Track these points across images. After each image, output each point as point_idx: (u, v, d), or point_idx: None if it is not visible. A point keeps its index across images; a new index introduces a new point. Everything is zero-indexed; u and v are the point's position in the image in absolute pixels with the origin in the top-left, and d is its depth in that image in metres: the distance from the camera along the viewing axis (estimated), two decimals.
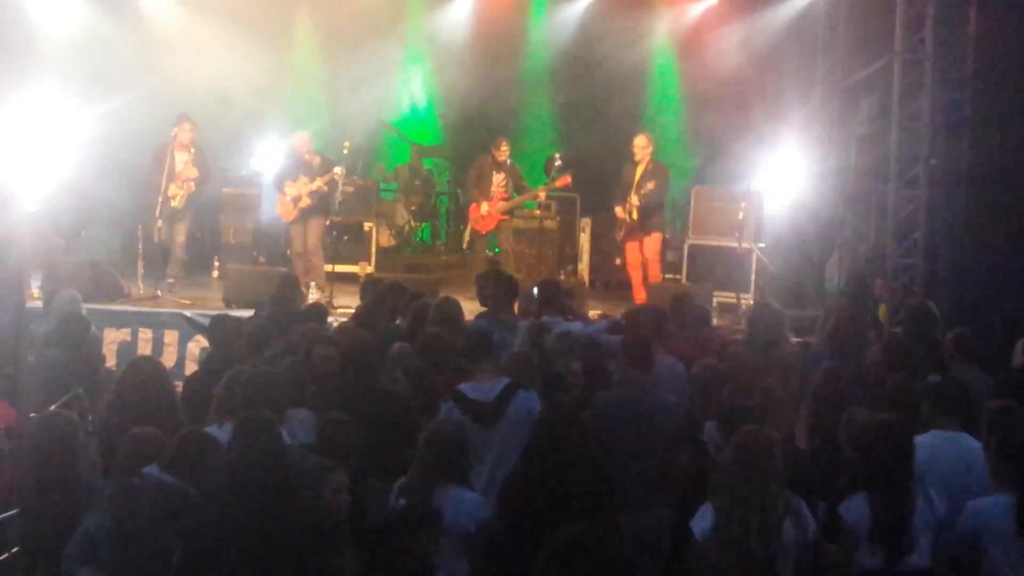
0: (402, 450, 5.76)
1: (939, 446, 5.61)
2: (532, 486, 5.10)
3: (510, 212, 12.97)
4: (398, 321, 8.40)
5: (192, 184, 11.93)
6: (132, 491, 4.98)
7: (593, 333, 7.82)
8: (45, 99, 11.75)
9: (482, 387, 6.26)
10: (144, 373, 6.33)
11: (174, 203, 11.87)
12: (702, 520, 5.01)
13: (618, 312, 9.88)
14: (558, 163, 13.67)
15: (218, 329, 7.65)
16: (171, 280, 11.97)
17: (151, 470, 5.07)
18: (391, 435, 5.95)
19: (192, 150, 11.94)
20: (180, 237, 12.09)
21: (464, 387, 6.30)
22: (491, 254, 13.43)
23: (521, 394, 6.22)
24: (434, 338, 7.25)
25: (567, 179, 13.17)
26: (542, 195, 13.26)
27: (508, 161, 12.96)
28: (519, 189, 13.04)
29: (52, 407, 6.29)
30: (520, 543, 4.81)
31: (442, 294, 9.72)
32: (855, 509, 5.23)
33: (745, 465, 4.89)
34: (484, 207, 12.90)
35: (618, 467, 5.74)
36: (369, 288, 9.21)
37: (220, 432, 5.70)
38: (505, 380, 6.29)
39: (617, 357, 7.05)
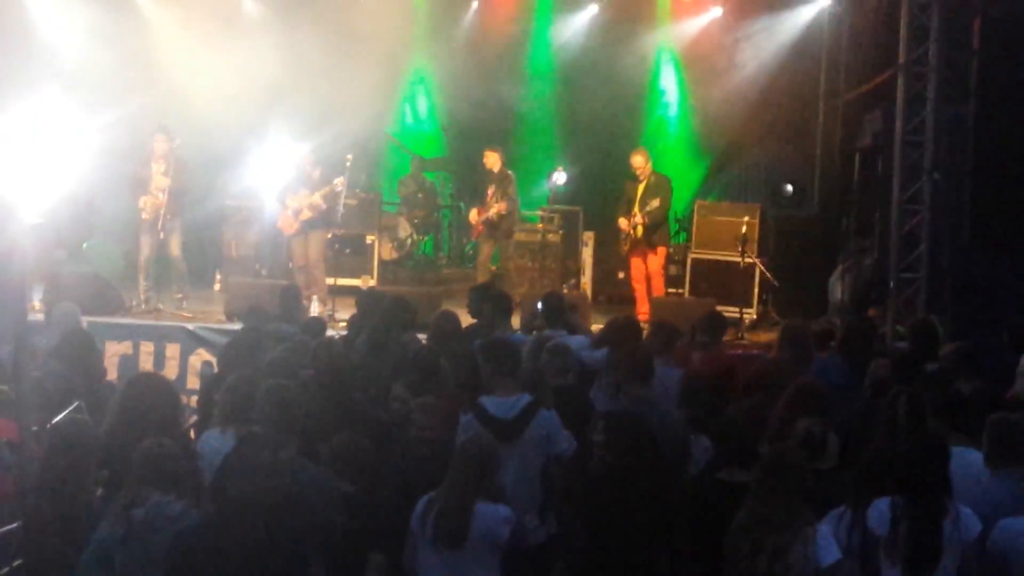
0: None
1: (954, 463, 5.40)
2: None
3: (486, 223, 12.75)
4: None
5: (161, 195, 11.39)
6: (151, 507, 4.93)
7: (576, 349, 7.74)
8: (47, 110, 11.77)
9: (503, 402, 6.21)
10: (148, 388, 6.21)
11: (144, 215, 11.50)
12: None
13: None
14: (559, 176, 13.55)
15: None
16: (178, 296, 11.77)
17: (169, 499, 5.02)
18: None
19: (169, 160, 11.44)
20: (174, 251, 11.71)
21: (485, 401, 6.25)
22: (493, 268, 13.38)
23: (543, 413, 6.18)
24: (426, 352, 7.33)
25: (503, 206, 12.57)
26: (492, 213, 12.62)
27: (498, 170, 12.78)
28: (504, 198, 12.72)
29: (54, 420, 6.26)
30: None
31: (444, 308, 9.68)
32: (879, 514, 5.02)
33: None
34: (472, 213, 13.07)
35: None
36: (367, 302, 9.15)
37: (223, 438, 5.71)
38: (527, 398, 6.23)
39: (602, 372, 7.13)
